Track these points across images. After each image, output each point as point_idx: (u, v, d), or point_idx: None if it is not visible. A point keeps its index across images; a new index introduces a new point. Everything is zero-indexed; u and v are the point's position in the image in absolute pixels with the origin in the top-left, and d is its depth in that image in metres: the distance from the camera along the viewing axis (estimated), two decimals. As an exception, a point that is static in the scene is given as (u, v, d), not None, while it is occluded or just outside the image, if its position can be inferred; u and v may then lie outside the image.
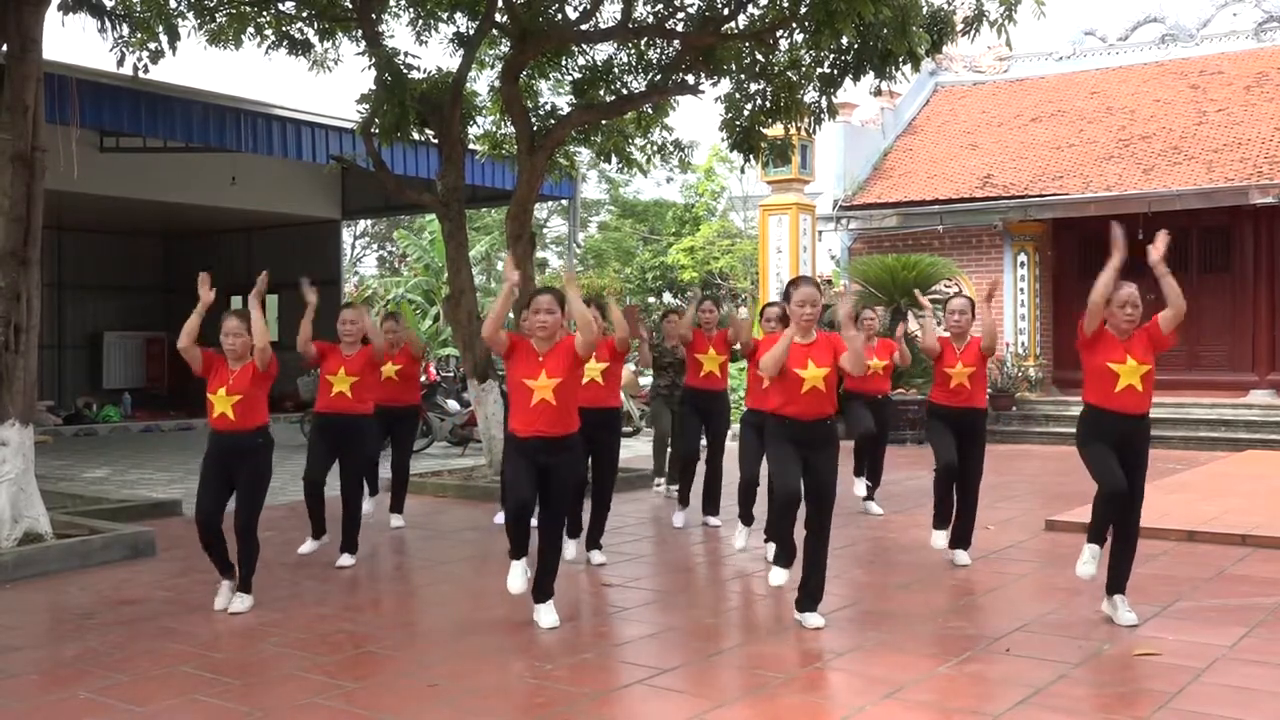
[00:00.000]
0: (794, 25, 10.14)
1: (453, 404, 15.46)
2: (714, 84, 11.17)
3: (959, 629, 5.72)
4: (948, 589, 6.68)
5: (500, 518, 7.55)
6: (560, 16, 11.00)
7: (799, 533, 5.75)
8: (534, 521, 5.87)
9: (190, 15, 10.36)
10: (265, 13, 10.87)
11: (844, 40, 9.94)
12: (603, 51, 11.72)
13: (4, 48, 7.91)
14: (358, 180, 18.03)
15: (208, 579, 6.46)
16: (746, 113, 10.95)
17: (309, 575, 7.11)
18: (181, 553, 7.67)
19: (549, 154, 11.19)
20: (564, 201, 18.89)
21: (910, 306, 16.31)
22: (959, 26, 9.98)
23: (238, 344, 6.07)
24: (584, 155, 13.65)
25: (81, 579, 7.03)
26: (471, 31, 11.18)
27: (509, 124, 11.64)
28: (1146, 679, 4.89)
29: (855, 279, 17.27)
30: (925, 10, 9.78)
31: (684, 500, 8.95)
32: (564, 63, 11.78)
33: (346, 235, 31.75)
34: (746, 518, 7.60)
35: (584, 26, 10.95)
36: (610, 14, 11.14)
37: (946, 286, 16.73)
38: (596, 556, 7.34)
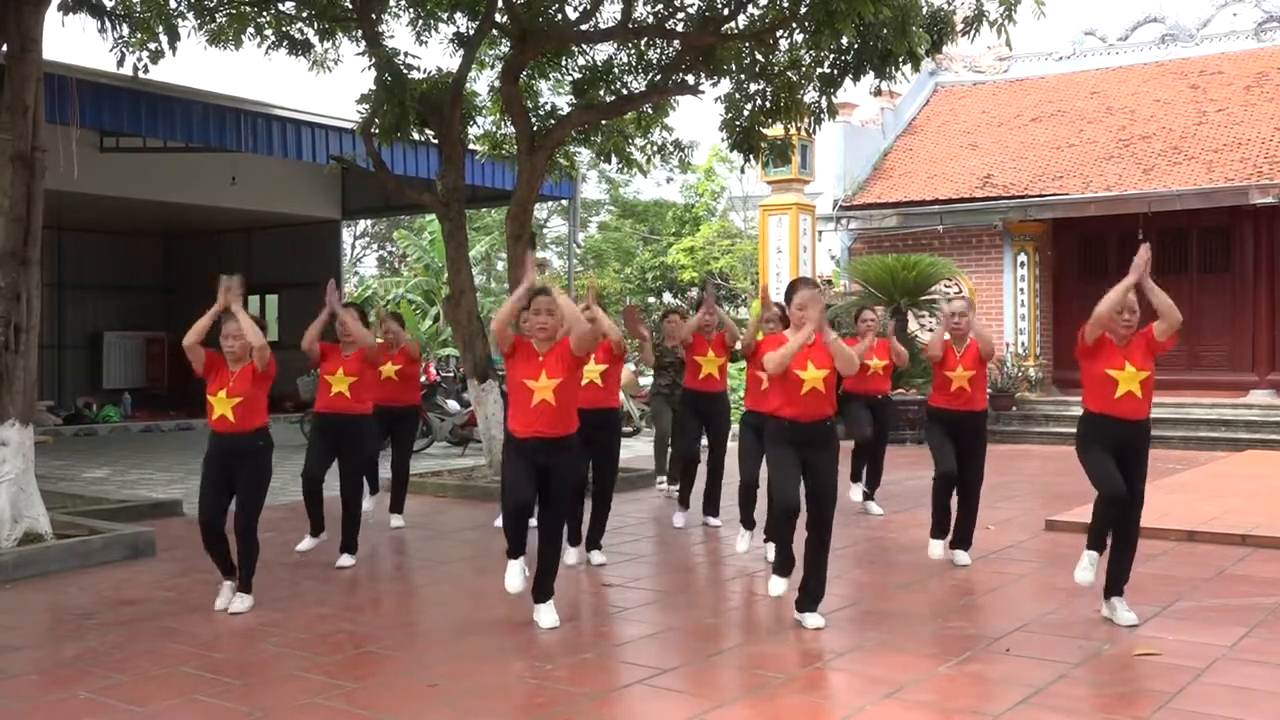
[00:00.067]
0: (794, 25, 10.14)
1: (453, 404, 15.46)
2: (714, 84, 11.17)
3: (959, 629, 5.72)
4: (948, 589, 6.68)
5: (500, 521, 7.55)
6: (560, 16, 10.99)
7: (799, 534, 5.75)
8: (533, 521, 5.87)
9: (190, 15, 10.35)
10: (265, 13, 10.86)
11: (844, 40, 9.93)
12: (603, 51, 11.72)
13: (4, 48, 7.91)
14: (358, 180, 18.03)
15: (208, 579, 6.47)
16: (746, 113, 10.95)
17: (309, 575, 7.11)
18: (181, 553, 7.67)
19: (549, 154, 11.19)
20: (564, 201, 18.90)
21: (910, 306, 16.33)
22: (959, 26, 9.98)
23: (237, 346, 6.08)
24: (584, 155, 13.66)
25: (81, 579, 7.03)
26: (471, 31, 11.18)
27: (509, 124, 11.63)
28: (1146, 679, 4.89)
29: (855, 279, 17.28)
30: (925, 10, 9.77)
31: (684, 502, 8.95)
32: (564, 63, 11.78)
33: (346, 235, 31.77)
34: (747, 521, 7.59)
35: (584, 26, 10.95)
36: (610, 14, 11.15)
37: (946, 286, 16.75)
38: (597, 557, 7.34)
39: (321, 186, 19.65)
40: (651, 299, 28.74)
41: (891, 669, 5.02)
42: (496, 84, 11.57)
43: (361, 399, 7.52)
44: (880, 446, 9.49)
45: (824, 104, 10.79)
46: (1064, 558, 7.14)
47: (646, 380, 14.94)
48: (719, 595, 6.82)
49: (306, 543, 7.55)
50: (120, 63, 9.71)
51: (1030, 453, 14.21)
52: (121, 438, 17.47)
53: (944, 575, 6.99)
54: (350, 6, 10.81)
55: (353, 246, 37.31)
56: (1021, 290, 17.49)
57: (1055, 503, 9.47)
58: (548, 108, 11.81)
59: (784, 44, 10.70)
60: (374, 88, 10.60)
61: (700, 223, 28.71)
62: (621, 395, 15.73)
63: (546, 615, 5.77)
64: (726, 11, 10.49)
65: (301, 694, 4.74)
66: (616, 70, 11.61)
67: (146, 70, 9.78)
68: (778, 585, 5.82)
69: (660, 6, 10.76)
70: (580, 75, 11.68)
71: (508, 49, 11.40)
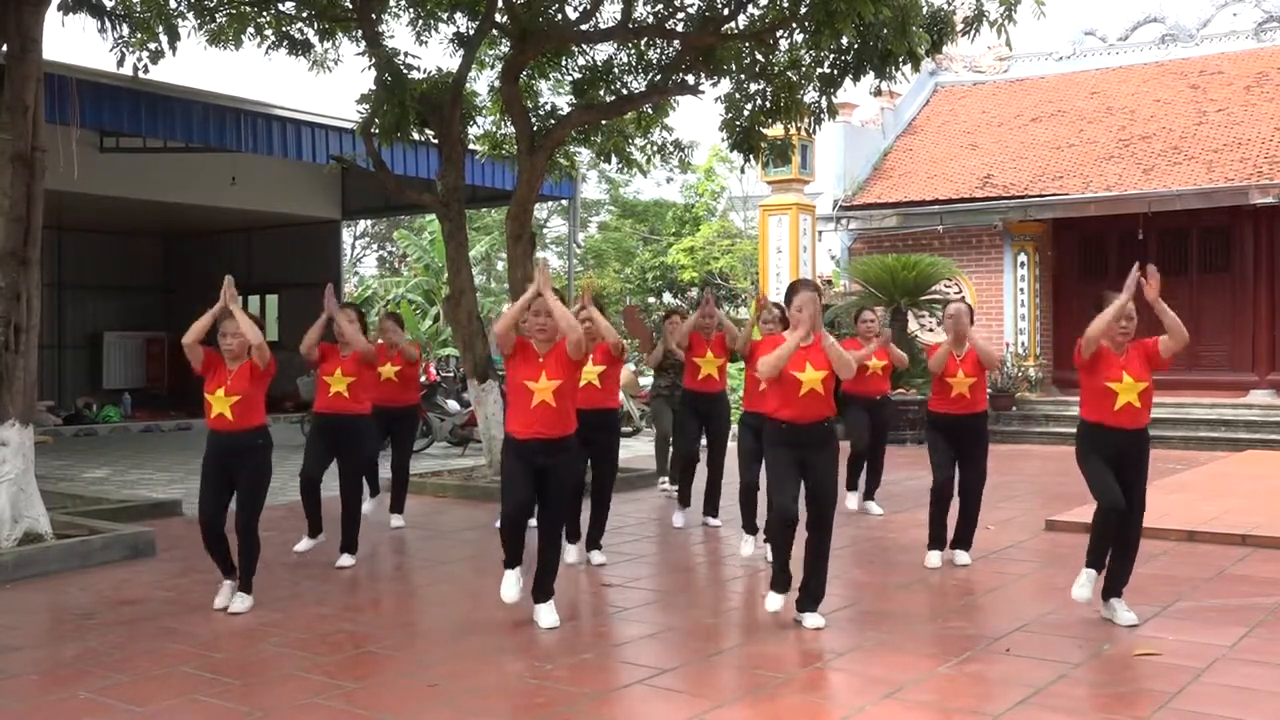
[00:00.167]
0: (794, 25, 10.14)
1: (453, 404, 15.46)
2: (714, 84, 11.16)
3: (959, 629, 5.72)
4: (948, 589, 6.68)
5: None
6: (560, 16, 10.99)
7: (799, 533, 5.75)
8: (532, 522, 5.87)
9: (190, 15, 10.35)
10: (265, 13, 10.86)
11: (844, 40, 9.93)
12: (603, 51, 11.72)
13: (4, 48, 7.91)
14: (358, 180, 18.03)
15: (208, 579, 6.47)
16: (746, 113, 10.95)
17: (309, 575, 7.11)
18: (181, 553, 7.67)
19: (549, 154, 11.19)
20: (564, 201, 18.89)
21: (910, 306, 16.32)
22: (959, 26, 9.97)
23: (235, 344, 6.07)
24: (584, 155, 13.65)
25: (81, 579, 7.03)
26: (471, 31, 11.18)
27: (509, 124, 11.63)
28: (1146, 679, 4.89)
29: (855, 279, 17.27)
30: (925, 10, 9.77)
31: (684, 501, 8.95)
32: (564, 63, 11.77)
33: (346, 235, 31.75)
34: (750, 526, 7.55)
35: (584, 26, 10.95)
36: (610, 14, 11.15)
37: (946, 287, 16.75)
38: (597, 557, 7.34)
39: (321, 186, 19.64)
40: (651, 299, 28.74)
41: (891, 669, 5.02)
42: (496, 84, 11.57)
43: (360, 399, 7.54)
44: (880, 447, 9.49)
45: (824, 104, 10.79)
46: (1064, 558, 7.14)
47: (646, 381, 14.95)
48: (719, 595, 6.82)
49: (304, 544, 7.56)
50: (120, 63, 9.71)
51: (1030, 453, 14.21)
52: (121, 438, 17.47)
53: (944, 575, 6.99)
54: (350, 6, 10.80)
55: (353, 246, 37.32)
56: (1021, 290, 17.49)
57: (1055, 503, 9.48)
58: (548, 108, 11.81)
59: (784, 44, 10.70)
60: (374, 88, 10.60)
61: (700, 223, 28.70)
62: (622, 396, 15.78)
63: (546, 615, 5.77)
64: (726, 11, 10.48)
65: (301, 694, 4.74)
66: (616, 70, 11.61)
67: (146, 70, 9.78)
68: (774, 601, 5.78)
69: (660, 6, 10.76)
70: (580, 75, 11.67)
71: (508, 49, 11.40)
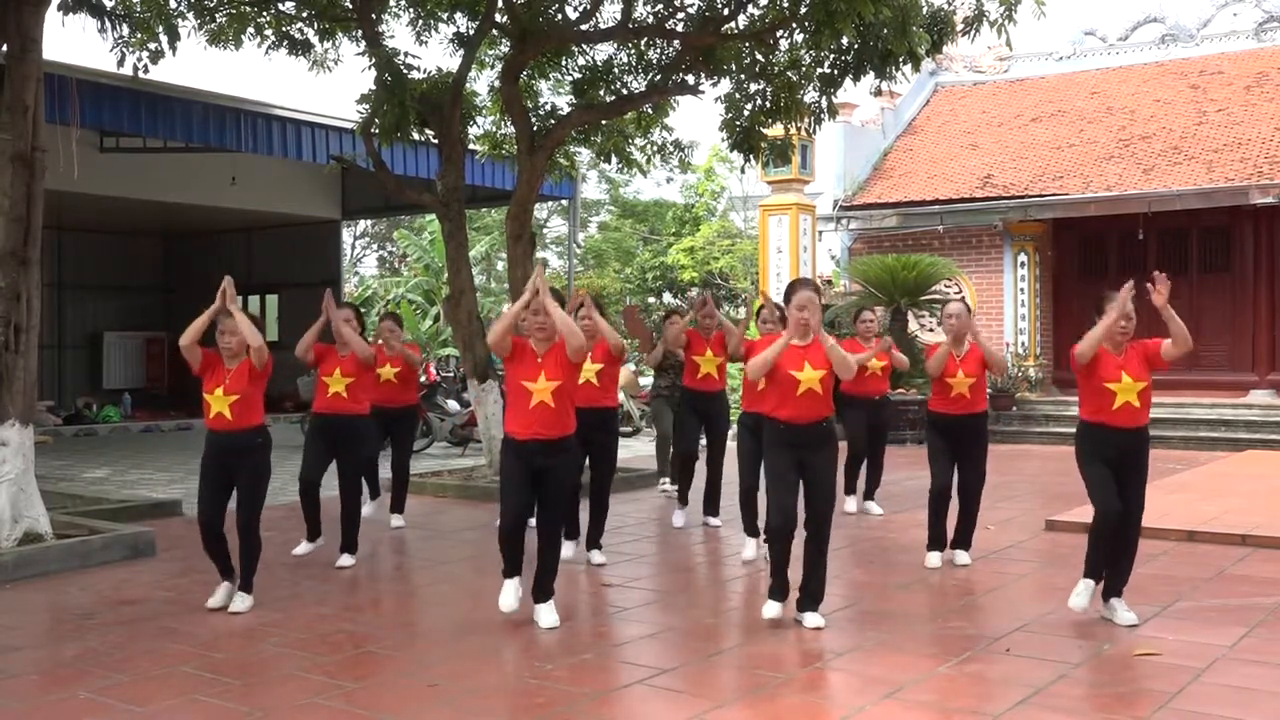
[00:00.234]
0: (794, 25, 10.14)
1: (453, 404, 15.46)
2: (714, 84, 11.16)
3: (959, 629, 5.72)
4: (948, 589, 6.68)
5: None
6: (560, 16, 10.99)
7: (798, 534, 5.75)
8: (531, 521, 5.87)
9: (190, 15, 10.35)
10: (265, 13, 10.86)
11: (844, 40, 9.93)
12: (603, 51, 11.71)
13: (4, 48, 7.91)
14: (358, 180, 18.03)
15: (208, 579, 6.46)
16: (746, 113, 10.95)
17: (309, 575, 7.11)
18: (181, 553, 7.67)
19: (549, 154, 11.18)
20: (564, 201, 18.89)
21: (910, 306, 16.32)
22: (959, 26, 9.97)
23: (233, 342, 6.06)
24: (584, 155, 13.65)
25: (81, 579, 7.03)
26: (471, 31, 11.18)
27: (509, 124, 11.63)
28: (1146, 679, 4.89)
29: (855, 279, 17.27)
30: (925, 10, 9.77)
31: (684, 500, 8.96)
32: (564, 63, 11.77)
33: (346, 235, 31.75)
34: (751, 530, 7.52)
35: (584, 26, 10.95)
36: (610, 14, 11.14)
37: (946, 287, 16.75)
38: (596, 556, 7.34)
39: (321, 186, 19.64)
40: (651, 299, 28.74)
41: (891, 669, 5.02)
42: (496, 84, 11.56)
43: (359, 399, 7.53)
44: (880, 447, 9.49)
45: (824, 104, 10.79)
46: (1064, 558, 7.14)
47: (647, 381, 14.94)
48: (719, 595, 6.82)
49: (303, 547, 7.55)
50: (120, 63, 9.71)
51: (1030, 453, 14.21)
52: (121, 438, 17.47)
53: (944, 575, 6.99)
54: (350, 6, 10.80)
55: (353, 246, 37.32)
56: (1021, 290, 17.49)
57: (1055, 503, 9.47)
58: (548, 108, 11.80)
59: (784, 44, 10.70)
60: (374, 88, 10.60)
61: (700, 223, 28.70)
62: (621, 396, 15.78)
63: (546, 615, 5.77)
64: (726, 11, 10.48)
65: (301, 694, 4.74)
66: (616, 70, 11.61)
67: (146, 70, 9.77)
68: (772, 609, 5.76)
69: (660, 6, 10.76)
70: (580, 75, 11.67)
71: (508, 49, 11.40)
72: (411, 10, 11.16)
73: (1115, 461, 5.70)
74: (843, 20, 9.03)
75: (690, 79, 11.06)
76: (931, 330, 16.22)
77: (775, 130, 11.49)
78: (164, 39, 9.56)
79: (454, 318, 11.24)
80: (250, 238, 21.43)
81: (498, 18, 10.87)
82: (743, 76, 10.89)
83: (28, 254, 7.69)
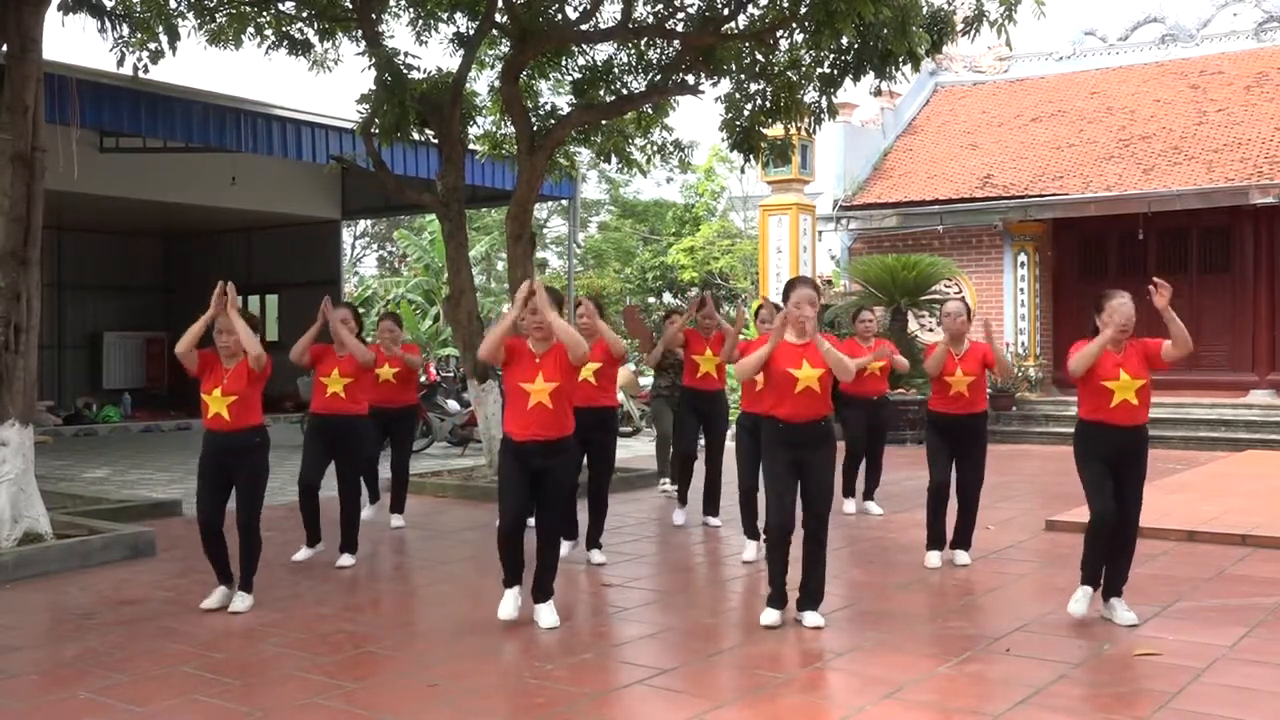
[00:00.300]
0: (794, 25, 10.14)
1: (453, 404, 15.46)
2: (714, 84, 11.16)
3: (959, 629, 5.72)
4: (948, 589, 6.68)
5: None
6: (560, 16, 10.99)
7: (796, 534, 5.75)
8: (530, 521, 5.87)
9: (190, 15, 10.35)
10: (265, 13, 10.86)
11: (844, 40, 9.93)
12: (603, 51, 11.72)
13: (4, 48, 7.91)
14: (358, 180, 18.03)
15: (208, 579, 6.46)
16: (746, 113, 10.95)
17: (309, 575, 7.11)
18: (181, 553, 7.67)
19: (549, 154, 11.18)
20: (564, 201, 18.89)
21: (910, 307, 16.32)
22: (959, 26, 9.97)
23: (230, 341, 6.04)
24: (584, 155, 13.65)
25: (81, 579, 7.03)
26: (471, 31, 11.18)
27: (509, 124, 11.63)
28: (1146, 679, 4.89)
29: (855, 279, 17.27)
30: (925, 10, 9.77)
31: (683, 500, 8.96)
32: (564, 63, 11.77)
33: (346, 235, 31.75)
34: (751, 532, 7.51)
35: (584, 26, 10.95)
36: (610, 14, 11.15)
37: (946, 287, 16.74)
38: (596, 556, 7.34)
39: (321, 186, 19.64)
40: (651, 299, 28.74)
41: (891, 669, 5.02)
42: (496, 84, 11.57)
43: (357, 400, 7.50)
44: (879, 447, 9.49)
45: (824, 104, 10.79)
46: (1064, 558, 7.14)
47: (646, 380, 14.94)
48: (719, 595, 6.81)
49: (303, 553, 7.49)
50: (120, 63, 9.71)
51: (1030, 453, 14.21)
52: (121, 438, 17.47)
53: (944, 575, 6.99)
54: (350, 6, 10.81)
55: (353, 246, 37.32)
56: (1021, 290, 17.49)
57: (1055, 503, 9.47)
58: (548, 108, 11.81)
59: (784, 44, 10.70)
60: (374, 88, 10.60)
61: (700, 223, 28.72)
62: (621, 396, 15.79)
63: (546, 615, 5.77)
64: (726, 11, 10.48)
65: (301, 694, 4.74)
66: (616, 70, 11.61)
67: (146, 70, 9.78)
68: (770, 616, 5.75)
69: (660, 6, 10.76)
70: (580, 75, 11.67)
71: (508, 49, 11.40)
72: (411, 10, 11.16)
73: (1113, 460, 5.70)
74: (843, 20, 9.03)
75: (690, 79, 11.06)
76: (931, 330, 16.21)
77: (775, 130, 11.49)
78: (164, 39, 9.57)
79: (454, 318, 11.24)
80: (250, 238, 21.43)
81: (498, 18, 10.88)
82: (743, 76, 10.89)
83: (28, 254, 7.69)
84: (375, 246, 39.30)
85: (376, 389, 8.16)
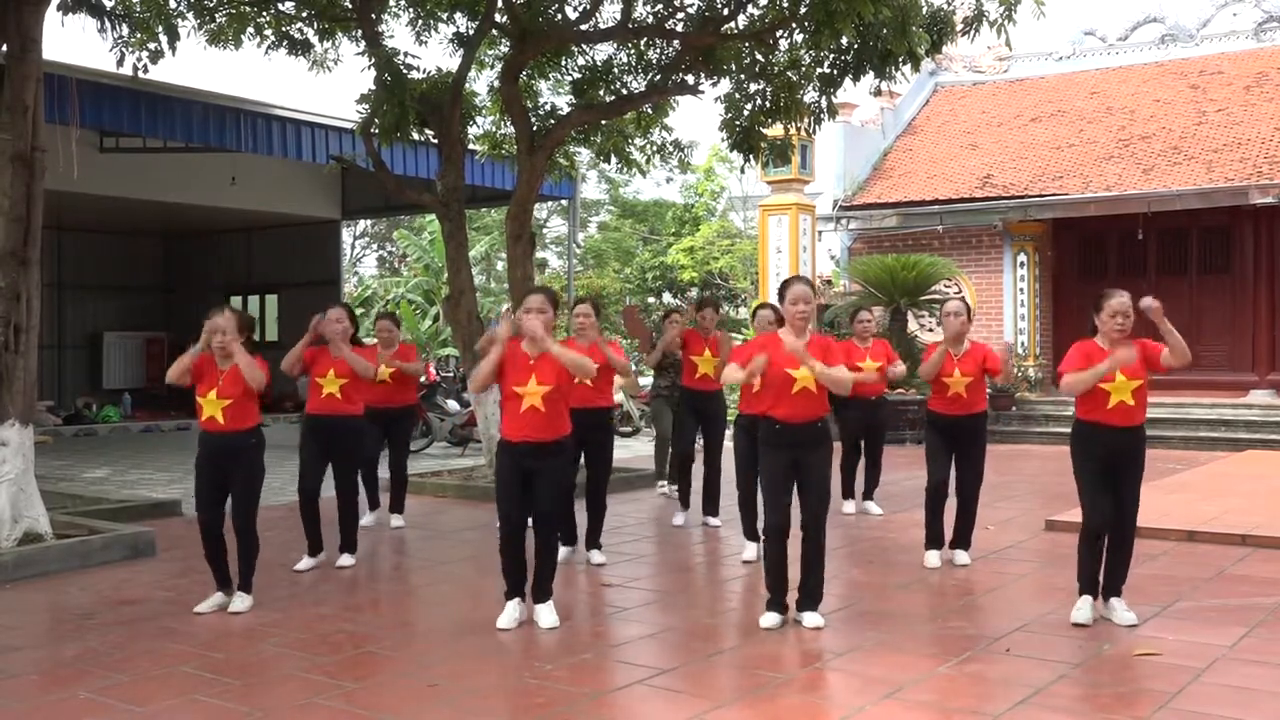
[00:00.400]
0: (794, 25, 10.14)
1: (452, 404, 15.46)
2: (714, 84, 11.16)
3: (959, 629, 5.72)
4: (947, 589, 6.68)
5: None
6: (560, 16, 10.99)
7: (795, 534, 5.75)
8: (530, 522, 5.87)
9: (190, 15, 10.35)
10: (265, 13, 10.86)
11: (844, 40, 9.93)
12: (603, 51, 11.72)
13: (4, 48, 7.91)
14: (358, 180, 18.03)
15: (208, 579, 6.45)
16: (746, 113, 10.95)
17: (309, 575, 7.11)
18: (181, 553, 7.67)
19: (549, 154, 11.19)
20: (564, 201, 18.89)
21: (910, 307, 16.32)
22: (959, 26, 9.97)
23: (225, 342, 6.02)
24: (584, 155, 13.65)
25: (81, 579, 7.03)
26: (471, 31, 11.18)
27: (509, 124, 11.63)
28: (1146, 679, 4.89)
29: (855, 279, 17.27)
30: (925, 10, 9.77)
31: (684, 502, 8.95)
32: (564, 63, 11.77)
33: (346, 235, 31.77)
34: (751, 534, 7.50)
35: (584, 26, 10.95)
36: (610, 14, 11.15)
37: (946, 287, 16.74)
38: (596, 556, 7.34)
39: (321, 186, 19.64)
40: (651, 299, 28.74)
41: (891, 669, 5.02)
42: (496, 84, 11.56)
43: (353, 400, 7.42)
44: (878, 447, 9.49)
45: (824, 104, 10.79)
46: (1064, 558, 7.12)
47: (646, 381, 14.94)
48: (719, 595, 6.81)
49: (305, 563, 7.34)
50: (120, 63, 9.70)
51: (1030, 453, 14.21)
52: (121, 438, 17.47)
53: (944, 575, 6.99)
54: (350, 6, 10.80)
55: (353, 246, 37.33)
56: (1021, 290, 17.49)
57: (1055, 503, 9.47)
58: (548, 108, 11.81)
59: (784, 44, 10.70)
60: (374, 88, 10.60)
61: (700, 223, 28.71)
62: (621, 396, 15.78)
63: (546, 615, 5.77)
64: (726, 11, 10.48)
65: (301, 694, 4.74)
66: (616, 70, 11.61)
67: (146, 70, 9.77)
68: (769, 619, 5.75)
69: (660, 6, 10.76)
70: (580, 75, 11.67)
71: (508, 49, 11.40)
72: (411, 10, 11.16)
73: (1110, 461, 5.69)
74: (843, 20, 9.03)
75: (690, 79, 11.06)
76: (931, 330, 16.21)
77: (775, 130, 11.49)
78: (164, 39, 9.56)
79: (454, 318, 11.24)
80: (250, 238, 21.41)
81: (498, 18, 10.88)
82: (743, 76, 10.89)
83: (28, 254, 7.69)
84: (375, 246, 39.31)
85: (374, 389, 8.11)
